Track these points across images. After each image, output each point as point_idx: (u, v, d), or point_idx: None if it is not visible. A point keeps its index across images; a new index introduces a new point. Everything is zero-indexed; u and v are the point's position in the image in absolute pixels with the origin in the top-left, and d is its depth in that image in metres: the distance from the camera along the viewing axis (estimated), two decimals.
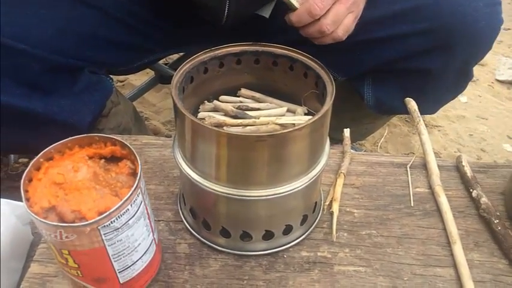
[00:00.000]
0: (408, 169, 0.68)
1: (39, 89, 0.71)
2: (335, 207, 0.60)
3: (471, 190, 0.63)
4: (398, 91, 0.88)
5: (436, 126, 1.49)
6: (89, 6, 0.75)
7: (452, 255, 0.56)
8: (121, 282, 0.48)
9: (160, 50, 0.94)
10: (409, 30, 0.81)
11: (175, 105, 0.49)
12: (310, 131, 0.48)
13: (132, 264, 0.48)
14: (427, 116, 1.47)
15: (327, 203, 0.61)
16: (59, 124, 0.74)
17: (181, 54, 1.28)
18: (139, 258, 0.49)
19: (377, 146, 1.45)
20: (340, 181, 0.64)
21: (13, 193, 0.62)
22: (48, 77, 0.72)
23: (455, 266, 0.55)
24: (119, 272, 0.48)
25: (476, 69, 1.70)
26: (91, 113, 0.81)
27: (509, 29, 2.00)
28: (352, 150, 0.70)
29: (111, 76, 0.87)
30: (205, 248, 0.57)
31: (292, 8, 0.65)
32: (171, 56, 1.47)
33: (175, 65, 1.40)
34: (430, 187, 0.65)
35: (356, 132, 1.24)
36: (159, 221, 0.60)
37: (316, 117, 0.47)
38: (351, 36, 0.87)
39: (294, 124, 0.53)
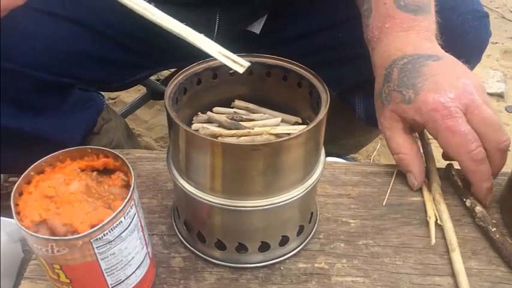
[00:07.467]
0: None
1: (29, 108, 0.71)
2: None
3: (464, 199, 0.63)
4: None
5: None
6: (78, 24, 0.75)
7: (450, 263, 0.56)
8: None
9: (152, 67, 0.94)
10: None
11: (169, 116, 0.49)
12: (306, 139, 0.48)
13: (126, 278, 0.47)
14: None
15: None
16: (49, 142, 0.73)
17: (173, 70, 1.29)
18: (133, 272, 0.48)
19: (370, 159, 1.45)
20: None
21: (3, 212, 0.61)
22: (37, 96, 0.71)
23: (453, 274, 0.55)
24: (112, 287, 0.46)
25: None
26: (81, 131, 0.80)
27: (497, 42, 2.04)
28: (344, 160, 0.70)
29: (102, 93, 0.87)
30: (200, 261, 0.56)
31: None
32: (162, 73, 1.48)
33: (166, 81, 1.40)
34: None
35: (349, 145, 1.24)
36: (153, 234, 0.59)
37: (311, 126, 0.47)
38: (341, 52, 0.88)
39: (289, 134, 0.53)
